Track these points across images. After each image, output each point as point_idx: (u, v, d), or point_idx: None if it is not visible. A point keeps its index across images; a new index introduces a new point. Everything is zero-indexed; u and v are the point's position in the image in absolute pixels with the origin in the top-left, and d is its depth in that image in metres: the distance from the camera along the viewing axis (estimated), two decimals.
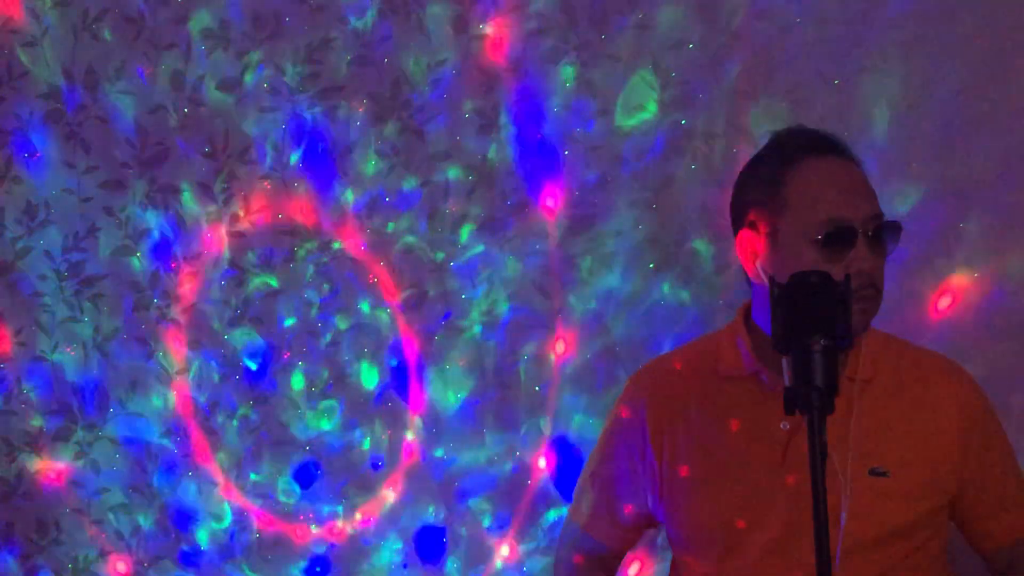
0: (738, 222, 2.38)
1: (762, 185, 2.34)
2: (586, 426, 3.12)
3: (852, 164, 2.34)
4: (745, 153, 2.94)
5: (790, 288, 1.96)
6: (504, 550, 3.19)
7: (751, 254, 2.34)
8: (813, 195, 2.27)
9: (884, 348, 2.38)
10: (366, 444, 3.23)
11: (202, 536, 3.30)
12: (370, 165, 3.19)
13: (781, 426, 2.31)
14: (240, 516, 3.29)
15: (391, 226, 3.18)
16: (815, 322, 1.93)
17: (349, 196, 3.20)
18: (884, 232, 2.29)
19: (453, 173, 3.15)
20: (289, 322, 3.24)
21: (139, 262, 3.29)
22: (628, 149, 3.07)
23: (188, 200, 3.26)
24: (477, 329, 3.17)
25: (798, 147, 2.34)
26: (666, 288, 3.07)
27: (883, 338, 2.40)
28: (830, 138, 2.36)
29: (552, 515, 3.16)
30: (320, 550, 3.27)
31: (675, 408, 2.43)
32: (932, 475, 2.33)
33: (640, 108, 3.06)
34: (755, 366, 2.35)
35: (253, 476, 3.28)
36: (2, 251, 3.31)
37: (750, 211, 2.35)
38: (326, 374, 3.24)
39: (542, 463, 3.16)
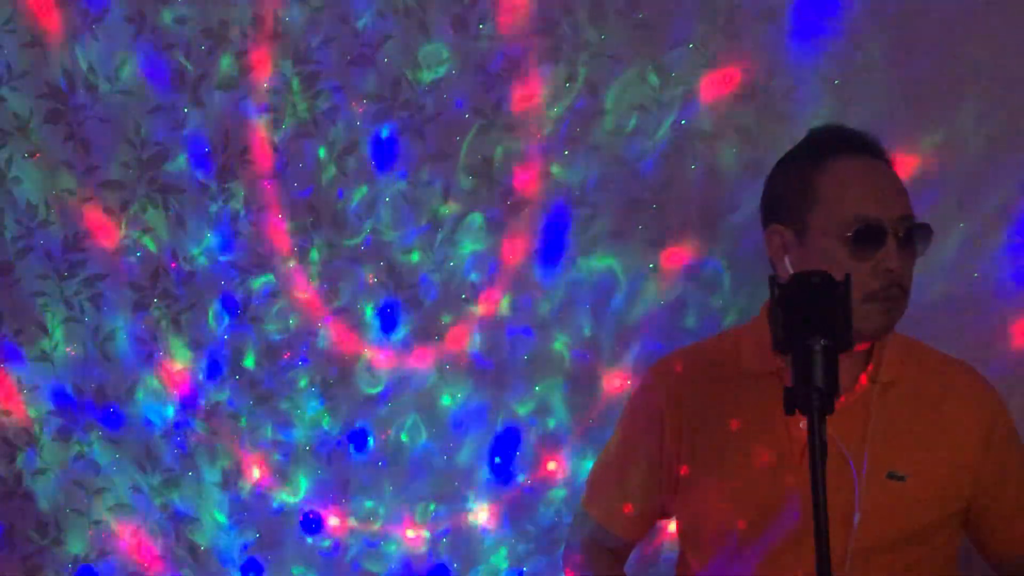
0: (769, 216, 2.37)
1: (795, 180, 2.34)
2: (586, 426, 3.12)
3: (886, 164, 2.35)
4: (745, 153, 2.95)
5: (790, 288, 1.96)
6: (503, 551, 3.18)
7: (780, 248, 2.33)
8: (845, 193, 2.28)
9: (907, 352, 2.38)
10: (365, 444, 3.23)
11: (202, 536, 3.30)
12: (370, 165, 3.18)
13: (800, 425, 2.30)
14: (240, 516, 3.29)
15: (391, 226, 3.18)
16: (815, 322, 1.93)
17: (349, 196, 3.20)
18: (914, 234, 2.29)
19: (453, 173, 3.15)
20: (289, 322, 3.24)
21: (139, 262, 3.29)
22: (628, 149, 3.07)
23: (188, 200, 3.26)
24: (477, 329, 3.16)
25: (833, 145, 2.34)
26: (666, 288, 3.06)
27: (907, 342, 2.40)
28: (865, 137, 2.37)
29: (552, 516, 3.16)
30: (320, 550, 3.26)
31: (693, 402, 2.42)
32: (949, 481, 2.33)
33: (640, 108, 3.06)
34: (776, 362, 2.35)
35: (254, 477, 3.28)
36: (2, 251, 3.31)
37: (781, 206, 2.34)
38: (326, 374, 3.24)
39: (542, 462, 3.16)
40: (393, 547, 3.23)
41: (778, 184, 2.38)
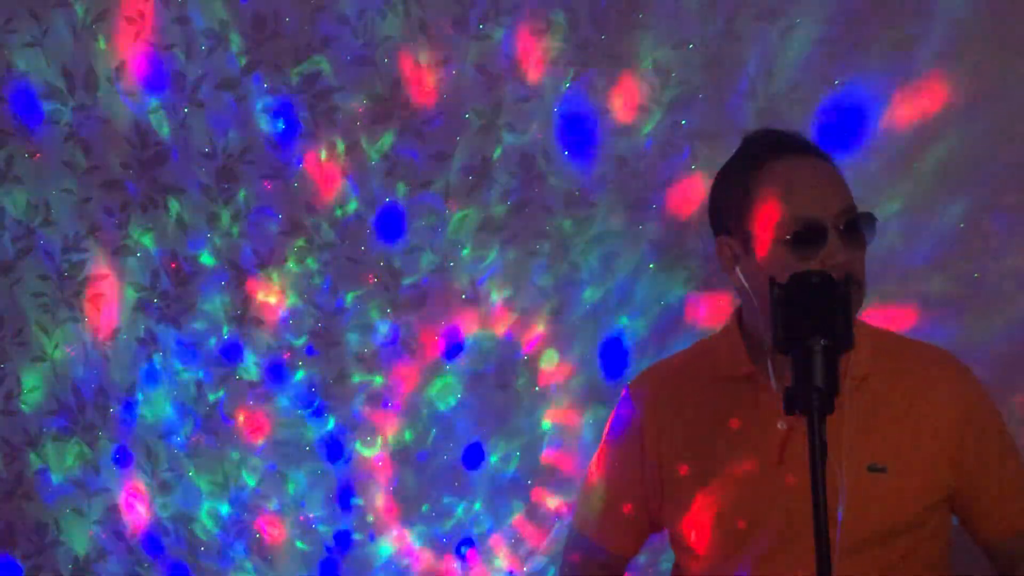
0: (715, 228, 2.38)
1: (732, 190, 2.34)
2: (586, 427, 3.12)
3: (818, 160, 2.33)
4: None
5: (790, 288, 1.96)
6: (504, 551, 3.19)
7: (730, 260, 2.34)
8: (778, 196, 2.27)
9: (878, 343, 2.38)
10: (365, 444, 3.23)
11: (202, 536, 3.30)
12: (370, 165, 3.19)
13: (778, 426, 2.31)
14: (240, 517, 3.29)
15: (391, 226, 3.18)
16: (815, 322, 1.93)
17: (349, 196, 3.20)
18: (858, 224, 2.28)
19: (453, 173, 3.15)
20: (289, 322, 3.24)
21: (139, 262, 3.29)
22: (628, 149, 3.07)
23: (188, 200, 3.26)
24: (476, 329, 3.17)
25: (762, 150, 2.34)
26: (666, 288, 3.07)
27: (877, 333, 2.40)
28: (793, 137, 2.36)
29: (552, 516, 3.16)
30: (321, 551, 3.27)
31: (673, 411, 2.43)
32: (931, 470, 2.33)
33: (640, 108, 3.06)
34: (750, 366, 2.35)
35: (253, 477, 3.28)
36: (2, 251, 3.32)
37: (724, 216, 2.35)
38: (326, 374, 3.24)
39: (542, 464, 3.16)
40: (392, 547, 3.23)
41: (719, 195, 2.39)
